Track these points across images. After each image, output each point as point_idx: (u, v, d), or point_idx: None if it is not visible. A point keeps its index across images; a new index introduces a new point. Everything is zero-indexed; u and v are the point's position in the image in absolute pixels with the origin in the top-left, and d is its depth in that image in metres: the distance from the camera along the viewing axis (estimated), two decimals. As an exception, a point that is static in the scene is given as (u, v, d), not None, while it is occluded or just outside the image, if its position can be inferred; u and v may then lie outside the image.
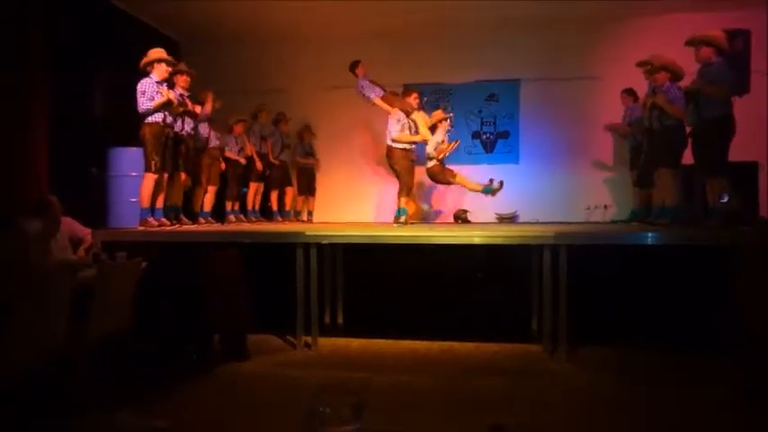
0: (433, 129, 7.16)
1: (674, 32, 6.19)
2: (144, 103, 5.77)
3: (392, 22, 8.24)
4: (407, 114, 6.84)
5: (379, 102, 7.15)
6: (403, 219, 6.76)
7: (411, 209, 7.17)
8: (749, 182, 7.17)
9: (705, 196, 5.97)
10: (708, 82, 5.46)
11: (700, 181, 6.15)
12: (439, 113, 7.32)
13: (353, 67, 7.35)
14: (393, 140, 6.74)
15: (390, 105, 6.98)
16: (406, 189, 6.87)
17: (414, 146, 6.91)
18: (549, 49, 8.43)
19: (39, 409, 3.42)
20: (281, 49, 8.90)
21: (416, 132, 6.91)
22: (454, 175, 7.13)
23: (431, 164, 7.12)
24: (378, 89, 7.23)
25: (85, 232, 4.86)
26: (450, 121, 7.38)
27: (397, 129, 6.72)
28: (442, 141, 7.15)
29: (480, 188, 7.15)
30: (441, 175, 7.17)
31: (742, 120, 5.71)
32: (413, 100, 7.00)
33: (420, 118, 7.02)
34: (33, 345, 3.27)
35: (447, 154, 7.14)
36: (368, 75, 7.35)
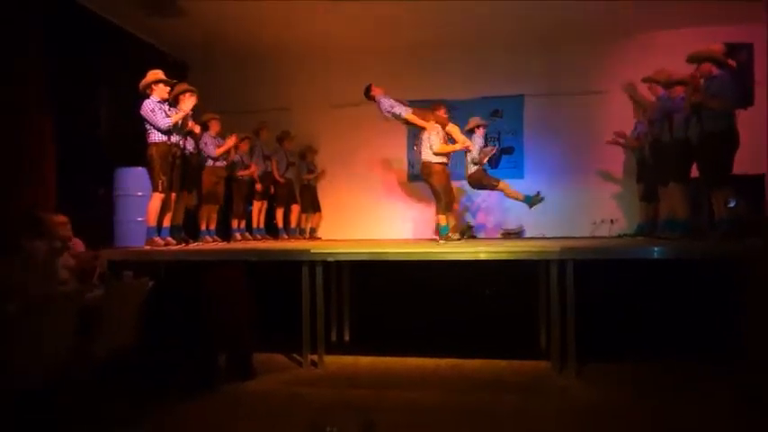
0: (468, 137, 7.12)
1: (679, 47, 6.19)
2: (163, 119, 5.75)
3: (396, 39, 8.30)
4: (443, 126, 6.78)
5: (412, 117, 6.85)
6: (450, 235, 6.65)
7: (452, 223, 7.01)
8: (756, 194, 7.14)
9: (711, 209, 5.95)
10: (710, 96, 5.47)
11: (705, 194, 6.13)
12: (476, 119, 7.34)
13: (368, 91, 7.07)
14: (435, 154, 6.61)
15: (425, 120, 6.81)
16: (448, 205, 6.81)
17: (448, 160, 6.84)
18: (552, 64, 8.47)
19: (38, 427, 3.39)
20: (286, 69, 8.97)
21: (453, 143, 6.81)
22: (498, 181, 7.18)
23: (473, 169, 7.14)
24: (405, 105, 6.95)
25: (82, 248, 4.84)
26: (485, 128, 7.40)
27: (438, 141, 6.63)
28: (485, 145, 7.24)
29: (522, 197, 7.10)
30: (485, 180, 7.18)
31: (748, 132, 5.70)
32: (443, 113, 6.97)
33: (455, 129, 6.89)
34: (33, 366, 3.25)
35: (487, 159, 7.24)
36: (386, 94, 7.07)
